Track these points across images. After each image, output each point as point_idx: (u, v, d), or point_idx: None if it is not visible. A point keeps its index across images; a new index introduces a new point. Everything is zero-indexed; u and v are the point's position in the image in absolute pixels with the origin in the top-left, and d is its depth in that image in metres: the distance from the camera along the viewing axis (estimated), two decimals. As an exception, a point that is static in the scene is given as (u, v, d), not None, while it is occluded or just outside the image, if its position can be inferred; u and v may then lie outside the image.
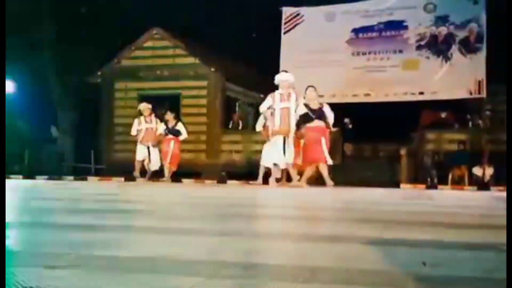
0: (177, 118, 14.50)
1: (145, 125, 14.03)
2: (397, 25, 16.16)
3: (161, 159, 14.13)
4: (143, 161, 14.25)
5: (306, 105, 10.93)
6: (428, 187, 13.62)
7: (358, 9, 16.49)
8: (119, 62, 18.97)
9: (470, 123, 16.30)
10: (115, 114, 18.87)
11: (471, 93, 15.21)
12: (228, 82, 18.05)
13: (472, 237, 2.93)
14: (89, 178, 16.05)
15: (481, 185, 13.60)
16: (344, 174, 11.83)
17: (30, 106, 18.72)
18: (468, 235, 3.02)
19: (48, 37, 19.66)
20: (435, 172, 14.93)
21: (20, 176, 15.29)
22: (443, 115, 16.64)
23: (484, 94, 15.10)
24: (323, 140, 10.75)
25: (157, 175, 14.41)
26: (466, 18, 15.55)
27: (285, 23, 16.86)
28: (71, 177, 15.96)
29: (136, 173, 14.17)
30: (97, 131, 19.28)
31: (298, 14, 16.82)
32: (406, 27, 16.05)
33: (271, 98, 11.05)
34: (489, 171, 14.39)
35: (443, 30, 15.72)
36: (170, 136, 14.03)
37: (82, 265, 1.92)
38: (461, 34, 15.55)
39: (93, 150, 18.57)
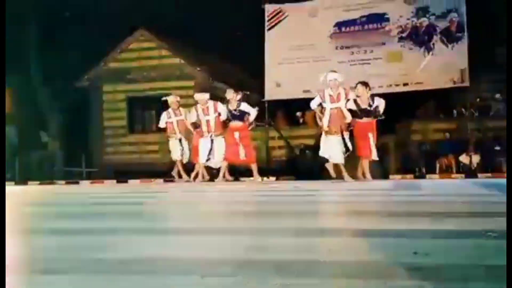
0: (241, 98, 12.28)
1: (175, 118, 13.25)
2: (379, 18, 16.26)
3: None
4: (181, 160, 13.20)
5: (356, 102, 11.02)
6: (416, 177, 13.84)
7: (341, 3, 16.64)
8: (106, 65, 19.06)
9: (455, 112, 16.51)
10: (104, 116, 19.01)
11: (454, 82, 15.35)
12: (214, 81, 18.17)
13: (460, 225, 2.95)
14: (81, 182, 16.11)
15: (469, 173, 13.82)
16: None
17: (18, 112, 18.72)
18: (456, 223, 3.04)
19: (33, 42, 19.65)
20: (423, 161, 15.16)
21: (13, 183, 15.35)
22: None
23: (467, 83, 15.24)
24: (370, 136, 10.97)
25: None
26: (446, 8, 15.64)
27: (268, 20, 16.96)
28: (63, 182, 16.02)
29: (175, 173, 13.29)
30: (87, 135, 19.37)
31: (280, 11, 16.92)
32: (387, 20, 16.14)
33: (319, 96, 11.04)
34: (476, 158, 14.61)
35: (424, 21, 15.88)
36: (235, 123, 11.87)
37: (80, 269, 1.96)
38: (442, 24, 15.69)
39: (84, 154, 18.60)
